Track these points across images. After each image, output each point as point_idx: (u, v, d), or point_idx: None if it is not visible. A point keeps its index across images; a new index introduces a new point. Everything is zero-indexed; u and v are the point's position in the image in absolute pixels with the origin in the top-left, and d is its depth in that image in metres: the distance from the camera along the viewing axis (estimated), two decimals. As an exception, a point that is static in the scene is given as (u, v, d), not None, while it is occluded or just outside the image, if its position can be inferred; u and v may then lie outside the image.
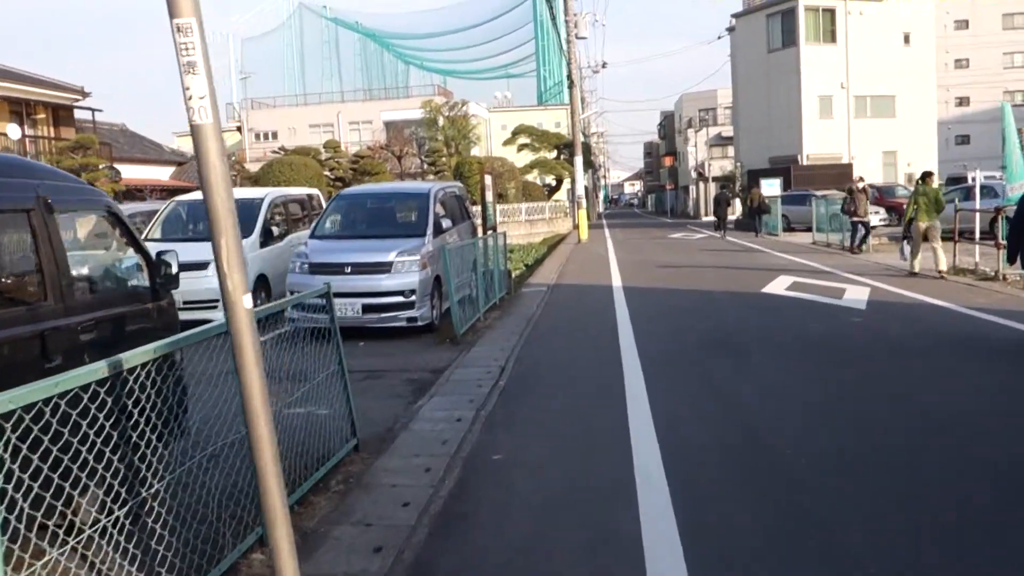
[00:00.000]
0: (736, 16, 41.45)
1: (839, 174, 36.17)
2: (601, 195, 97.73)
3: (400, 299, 10.60)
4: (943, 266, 14.74)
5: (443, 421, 6.50)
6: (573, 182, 36.54)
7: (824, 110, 38.08)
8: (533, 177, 53.68)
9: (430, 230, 11.46)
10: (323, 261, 10.81)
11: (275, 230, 12.81)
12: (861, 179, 23.20)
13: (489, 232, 14.57)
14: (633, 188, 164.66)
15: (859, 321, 10.50)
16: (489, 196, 14.69)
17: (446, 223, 11.86)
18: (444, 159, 47.81)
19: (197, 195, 14.24)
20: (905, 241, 15.97)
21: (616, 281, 16.53)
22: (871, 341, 9.26)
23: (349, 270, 10.65)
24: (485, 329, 11.29)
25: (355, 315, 10.53)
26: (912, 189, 15.77)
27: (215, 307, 11.24)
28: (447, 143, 49.50)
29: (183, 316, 11.60)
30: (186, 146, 64.25)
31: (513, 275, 23.13)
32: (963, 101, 66.61)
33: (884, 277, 15.19)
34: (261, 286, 12.15)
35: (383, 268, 10.66)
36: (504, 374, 8.24)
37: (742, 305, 12.47)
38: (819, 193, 32.17)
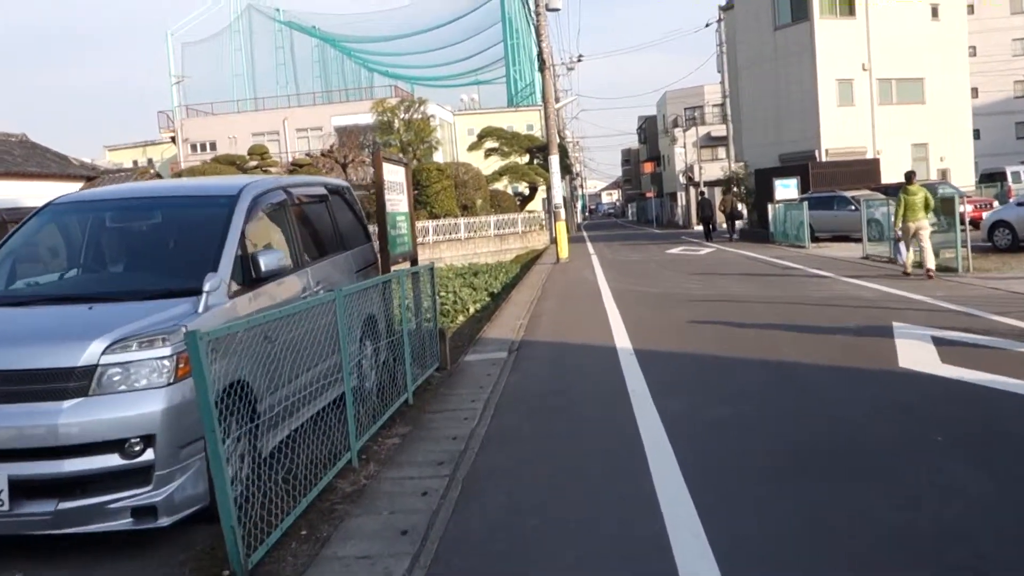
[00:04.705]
0: (734, -10, 35.37)
1: (864, 171, 30.15)
2: (579, 205, 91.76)
3: (115, 461, 4.18)
4: (931, 264, 14.61)
5: None
6: (549, 189, 30.28)
7: (844, 96, 31.91)
8: (503, 185, 47.39)
9: (223, 277, 5.01)
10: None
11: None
12: None
13: (399, 267, 8.19)
14: (611, 197, 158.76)
15: None
16: (400, 204, 8.29)
17: (276, 260, 5.37)
18: (400, 167, 41.43)
19: None
20: (900, 243, 15.75)
21: (620, 336, 10.17)
22: None
23: (-19, 390, 4.19)
24: (351, 502, 4.90)
25: (-6, 509, 4.10)
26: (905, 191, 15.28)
27: None
28: (403, 148, 43.06)
29: None
30: (109, 159, 57.48)
31: (464, 316, 16.74)
32: (972, 93, 60.93)
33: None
34: None
35: (67, 383, 4.22)
36: None
37: (913, 429, 6.02)
38: (849, 194, 26.25)
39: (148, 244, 5.61)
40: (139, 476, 4.22)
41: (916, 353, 7.91)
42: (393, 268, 8.24)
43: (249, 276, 5.29)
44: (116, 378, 4.26)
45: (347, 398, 5.46)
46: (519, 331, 11.52)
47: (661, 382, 7.42)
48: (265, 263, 5.31)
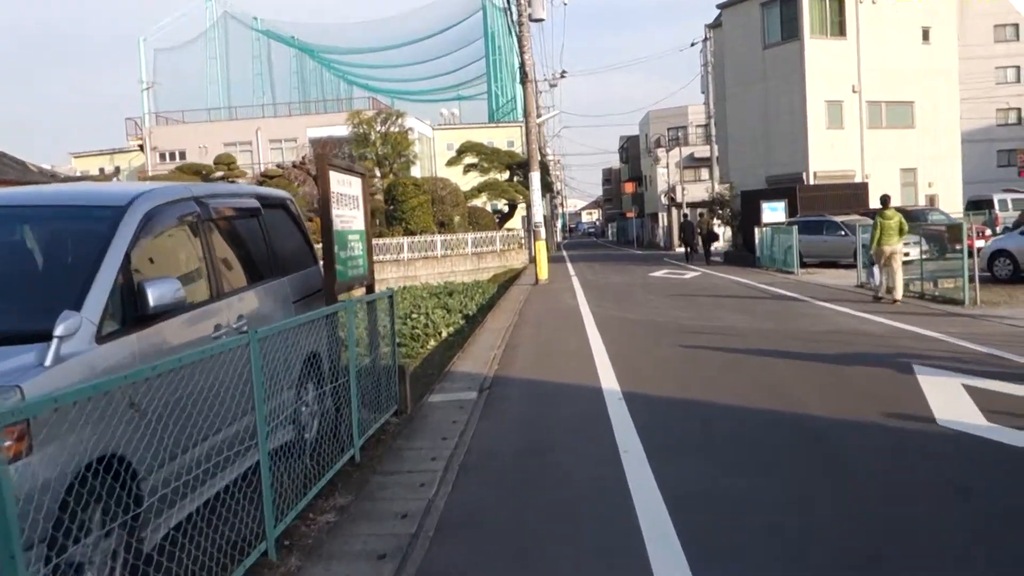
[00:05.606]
0: (723, 7, 34.37)
1: (853, 195, 29.28)
2: (559, 223, 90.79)
3: None
4: (899, 295, 14.67)
5: None
6: (529, 207, 29.16)
7: (833, 118, 31.04)
8: (482, 202, 46.25)
9: (90, 316, 3.77)
10: None
11: None
12: None
13: (350, 294, 6.96)
14: (591, 217, 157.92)
15: None
16: (354, 221, 7.08)
17: (171, 291, 4.13)
18: (376, 181, 40.16)
19: None
20: (874, 267, 15.77)
21: (606, 374, 8.97)
22: None
23: None
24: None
25: None
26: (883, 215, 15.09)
27: None
28: (379, 162, 41.85)
29: None
30: (73, 166, 55.77)
31: (436, 341, 15.52)
32: (955, 119, 60.62)
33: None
34: None
35: None
36: None
37: (987, 522, 4.87)
38: (839, 219, 25.35)
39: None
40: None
41: (951, 404, 6.76)
42: (346, 296, 7.03)
43: (133, 313, 4.04)
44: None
45: (262, 473, 4.21)
46: (492, 364, 10.30)
47: (658, 440, 6.22)
48: (155, 296, 4.06)
